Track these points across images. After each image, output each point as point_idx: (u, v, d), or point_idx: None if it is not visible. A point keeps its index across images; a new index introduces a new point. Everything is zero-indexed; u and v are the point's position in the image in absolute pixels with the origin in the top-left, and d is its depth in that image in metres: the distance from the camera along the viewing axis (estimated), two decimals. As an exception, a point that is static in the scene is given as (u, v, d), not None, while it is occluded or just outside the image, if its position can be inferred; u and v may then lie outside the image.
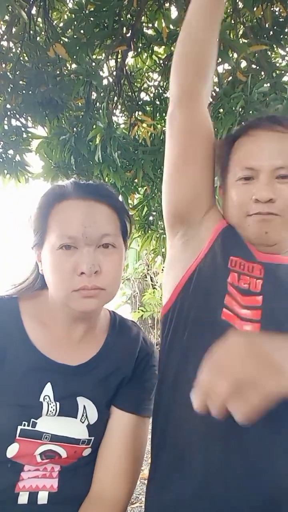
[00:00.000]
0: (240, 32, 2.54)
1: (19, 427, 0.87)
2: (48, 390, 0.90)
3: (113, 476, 0.94)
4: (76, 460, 0.93)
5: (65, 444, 0.91)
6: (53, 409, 0.90)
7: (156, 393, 0.98)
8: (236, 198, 0.94)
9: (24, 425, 0.88)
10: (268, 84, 2.04)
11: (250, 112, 1.96)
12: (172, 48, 2.64)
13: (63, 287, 0.87)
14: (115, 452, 0.95)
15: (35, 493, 0.89)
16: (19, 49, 2.53)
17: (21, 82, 2.47)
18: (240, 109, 1.96)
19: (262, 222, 0.90)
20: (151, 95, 3.12)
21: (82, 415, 0.92)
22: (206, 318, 0.89)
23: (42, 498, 0.89)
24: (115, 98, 2.86)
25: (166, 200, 1.02)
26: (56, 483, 0.91)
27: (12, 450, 0.88)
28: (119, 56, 2.82)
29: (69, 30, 2.54)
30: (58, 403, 0.90)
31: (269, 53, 2.69)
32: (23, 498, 0.88)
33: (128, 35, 2.61)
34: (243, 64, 2.55)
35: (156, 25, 2.81)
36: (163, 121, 3.22)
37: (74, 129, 2.68)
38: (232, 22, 2.53)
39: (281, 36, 2.55)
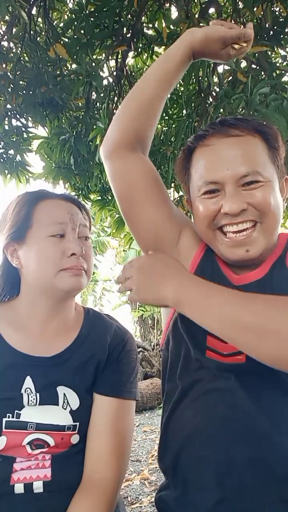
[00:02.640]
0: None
1: (4, 419, 0.92)
2: (28, 382, 0.95)
3: (102, 459, 0.97)
4: (67, 449, 0.97)
5: (51, 431, 0.95)
6: (34, 399, 0.94)
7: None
8: (203, 213, 0.89)
9: (9, 417, 0.92)
10: (269, 85, 2.04)
11: (251, 113, 1.97)
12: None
13: (52, 268, 0.96)
14: (101, 436, 0.98)
15: (30, 483, 0.92)
16: (20, 49, 2.53)
17: (21, 82, 2.48)
18: (241, 110, 1.97)
19: (240, 244, 0.86)
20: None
21: (64, 402, 0.96)
22: (192, 358, 0.91)
23: (38, 487, 0.92)
24: (115, 98, 2.87)
25: (134, 237, 1.04)
26: (49, 472, 0.94)
27: (0, 443, 0.92)
28: (119, 56, 2.82)
29: (69, 30, 2.54)
30: (38, 394, 0.95)
31: (269, 53, 2.69)
32: (19, 488, 0.92)
33: (128, 35, 2.61)
34: (243, 64, 2.55)
35: (156, 25, 2.81)
36: (163, 121, 3.22)
37: (74, 129, 2.68)
38: (232, 22, 2.53)
39: (281, 36, 2.55)
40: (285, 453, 0.80)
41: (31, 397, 0.94)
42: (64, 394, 0.97)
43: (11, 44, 2.62)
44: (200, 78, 2.72)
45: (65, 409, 0.96)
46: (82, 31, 2.42)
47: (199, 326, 0.86)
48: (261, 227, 0.86)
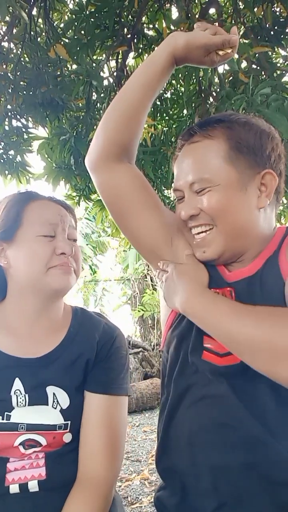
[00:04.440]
0: (241, 33, 2.55)
1: None
2: (17, 384, 0.96)
3: (95, 456, 0.97)
4: (61, 447, 0.97)
5: (43, 431, 0.95)
6: (23, 400, 0.95)
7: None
8: (177, 217, 0.96)
9: None
10: (270, 86, 2.04)
11: (252, 113, 1.97)
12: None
13: (42, 265, 0.97)
14: (93, 434, 0.99)
15: (25, 483, 0.93)
16: (20, 49, 2.53)
17: (21, 82, 2.48)
18: (243, 111, 1.96)
19: (197, 245, 0.93)
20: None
21: (53, 401, 0.97)
22: (189, 361, 0.92)
23: (33, 487, 0.93)
24: (116, 99, 2.86)
25: (130, 243, 1.06)
26: (44, 471, 0.94)
27: None
28: (119, 57, 2.82)
29: (70, 31, 2.54)
30: (27, 395, 0.96)
31: (270, 53, 2.69)
32: (14, 489, 0.92)
33: (129, 35, 2.61)
34: (244, 64, 2.55)
35: (156, 25, 2.82)
36: (163, 121, 3.22)
37: (75, 129, 2.68)
38: (233, 22, 2.53)
39: (282, 36, 2.55)
40: (279, 457, 0.80)
41: (20, 398, 0.95)
42: (54, 394, 0.97)
43: (12, 45, 2.62)
44: (200, 78, 2.72)
45: (55, 408, 0.97)
46: (83, 32, 2.42)
47: (196, 328, 0.89)
48: (217, 230, 0.89)
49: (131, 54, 2.83)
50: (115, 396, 1.02)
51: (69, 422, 0.98)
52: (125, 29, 2.61)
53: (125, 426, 1.05)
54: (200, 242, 0.91)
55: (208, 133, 0.90)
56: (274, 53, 2.86)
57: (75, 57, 2.42)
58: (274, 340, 0.72)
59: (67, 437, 0.98)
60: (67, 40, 2.49)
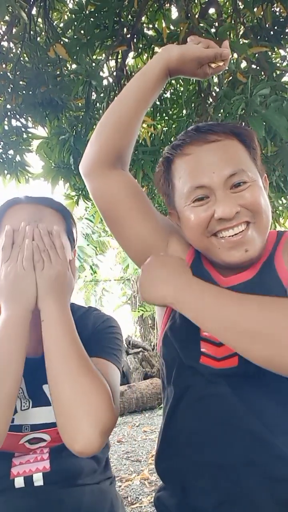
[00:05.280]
0: (241, 33, 2.54)
1: None
2: (21, 385, 0.96)
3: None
4: None
5: (46, 429, 0.96)
6: (26, 403, 0.96)
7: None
8: (195, 222, 0.88)
9: None
10: (269, 86, 2.04)
11: (251, 113, 1.96)
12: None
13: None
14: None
15: (30, 476, 0.93)
16: (20, 49, 2.54)
17: (21, 82, 2.48)
18: (241, 111, 1.96)
19: (237, 245, 0.86)
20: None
21: None
22: (186, 365, 0.91)
23: (38, 479, 0.94)
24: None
25: (124, 250, 1.04)
26: (48, 464, 0.95)
27: None
28: (119, 57, 2.82)
29: (69, 31, 2.54)
30: (30, 399, 0.96)
31: (269, 53, 2.69)
32: (19, 482, 0.93)
33: (129, 35, 2.61)
34: (243, 64, 2.55)
35: (156, 25, 2.81)
36: (163, 121, 3.22)
37: (74, 129, 2.68)
38: (233, 22, 2.53)
39: (281, 36, 2.55)
40: (278, 453, 0.81)
41: (24, 402, 0.95)
42: None
43: (11, 44, 2.62)
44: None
45: None
46: (82, 31, 2.42)
47: (193, 333, 0.88)
48: (255, 226, 0.87)
49: (131, 54, 2.83)
50: (104, 360, 0.98)
51: None
52: (125, 29, 2.61)
53: (118, 387, 1.01)
54: (241, 240, 0.85)
55: (226, 134, 0.89)
56: (274, 53, 2.86)
57: (74, 57, 2.41)
58: (275, 326, 0.70)
59: None
60: (66, 40, 2.49)
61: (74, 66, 2.60)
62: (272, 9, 2.51)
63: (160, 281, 0.85)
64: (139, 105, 0.94)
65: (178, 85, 3.14)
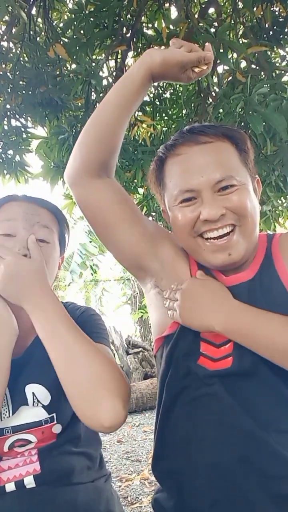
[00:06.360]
0: (240, 32, 2.55)
1: None
2: None
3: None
4: (54, 440, 0.96)
5: (29, 429, 0.94)
6: (7, 412, 0.94)
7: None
8: (181, 221, 0.90)
9: None
10: (268, 85, 2.04)
11: (250, 113, 1.96)
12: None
13: None
14: None
15: (21, 480, 0.92)
16: (19, 49, 2.54)
17: (21, 82, 2.48)
18: (240, 110, 1.96)
19: (222, 248, 0.88)
20: (151, 95, 3.13)
21: (33, 401, 0.96)
22: (182, 365, 0.92)
23: (29, 482, 0.92)
24: (115, 98, 2.86)
25: (115, 258, 1.03)
26: (38, 466, 0.94)
27: None
28: (119, 56, 2.82)
29: (69, 30, 2.54)
30: (11, 405, 0.95)
31: (269, 53, 2.69)
32: (10, 487, 0.92)
33: (128, 35, 2.61)
34: (243, 64, 2.55)
35: (156, 25, 2.82)
36: (163, 121, 3.23)
37: (73, 129, 2.68)
38: (232, 22, 2.53)
39: (281, 36, 2.55)
40: (271, 450, 0.81)
41: (4, 410, 0.94)
42: (33, 393, 0.96)
43: (11, 44, 2.62)
44: (199, 78, 2.72)
45: (36, 406, 0.96)
46: (82, 31, 2.42)
47: (193, 334, 0.89)
48: (240, 230, 0.88)
49: (130, 54, 2.83)
50: (97, 344, 0.95)
51: (54, 414, 0.96)
52: (124, 29, 2.61)
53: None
54: (226, 243, 0.88)
55: (219, 136, 0.90)
56: (273, 53, 2.86)
57: (74, 57, 2.41)
58: None
59: (57, 428, 0.97)
60: (66, 40, 2.49)
61: (73, 66, 2.60)
62: (272, 9, 2.51)
63: (205, 308, 0.86)
64: (122, 111, 0.92)
65: (178, 85, 3.14)
